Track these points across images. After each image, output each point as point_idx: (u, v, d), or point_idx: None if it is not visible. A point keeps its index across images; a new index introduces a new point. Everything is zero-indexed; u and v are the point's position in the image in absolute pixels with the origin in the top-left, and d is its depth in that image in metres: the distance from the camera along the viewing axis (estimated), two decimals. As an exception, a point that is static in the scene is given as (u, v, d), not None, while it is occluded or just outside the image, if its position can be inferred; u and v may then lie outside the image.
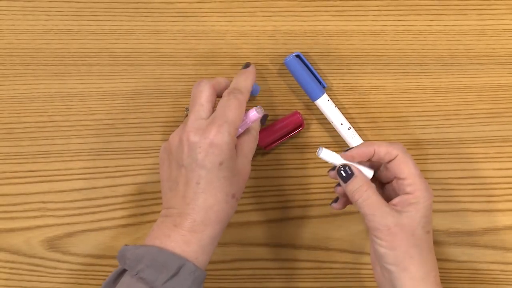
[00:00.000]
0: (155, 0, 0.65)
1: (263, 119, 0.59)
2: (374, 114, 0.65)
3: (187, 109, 0.58)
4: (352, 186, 0.55)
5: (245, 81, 0.58)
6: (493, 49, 0.65)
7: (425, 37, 0.65)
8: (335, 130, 0.64)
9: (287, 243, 0.66)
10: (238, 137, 0.57)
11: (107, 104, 0.65)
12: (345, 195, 0.59)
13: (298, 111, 0.64)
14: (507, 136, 0.65)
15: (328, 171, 0.59)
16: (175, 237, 0.53)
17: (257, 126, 0.59)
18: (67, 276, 0.66)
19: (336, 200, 0.60)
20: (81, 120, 0.65)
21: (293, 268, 0.66)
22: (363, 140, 0.64)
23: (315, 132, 0.65)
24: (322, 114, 0.64)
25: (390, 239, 0.54)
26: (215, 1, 0.65)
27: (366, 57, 0.65)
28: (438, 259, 0.65)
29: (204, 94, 0.56)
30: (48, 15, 0.65)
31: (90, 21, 0.65)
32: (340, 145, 0.65)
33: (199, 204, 0.53)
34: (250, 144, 0.57)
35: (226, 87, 0.58)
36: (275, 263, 0.66)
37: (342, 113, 0.64)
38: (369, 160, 0.57)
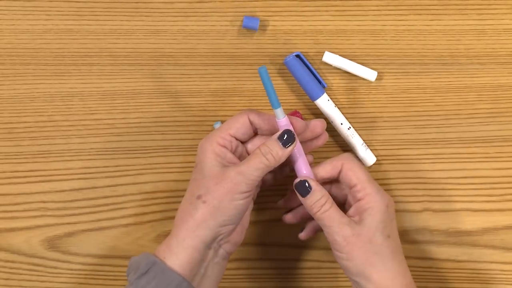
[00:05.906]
0: (155, 0, 0.65)
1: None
2: (374, 114, 0.65)
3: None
4: (310, 200, 0.54)
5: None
6: (493, 49, 0.65)
7: (425, 37, 0.65)
8: (335, 130, 0.64)
9: (287, 243, 0.66)
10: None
11: (107, 104, 0.65)
12: (300, 219, 0.60)
13: (298, 110, 0.64)
14: (507, 136, 0.65)
15: (283, 216, 0.60)
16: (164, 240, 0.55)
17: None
18: (67, 276, 0.66)
19: (302, 229, 0.60)
20: (81, 120, 0.65)
21: (293, 268, 0.66)
22: (363, 140, 0.64)
23: (315, 132, 0.65)
24: (322, 114, 0.64)
25: (349, 250, 0.53)
26: (215, 1, 0.65)
27: (366, 57, 0.65)
28: (438, 259, 0.65)
29: (239, 122, 0.56)
30: (48, 15, 0.65)
31: (90, 21, 0.65)
32: (340, 145, 0.65)
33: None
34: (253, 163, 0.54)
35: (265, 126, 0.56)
36: (274, 263, 0.66)
37: (342, 113, 0.64)
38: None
